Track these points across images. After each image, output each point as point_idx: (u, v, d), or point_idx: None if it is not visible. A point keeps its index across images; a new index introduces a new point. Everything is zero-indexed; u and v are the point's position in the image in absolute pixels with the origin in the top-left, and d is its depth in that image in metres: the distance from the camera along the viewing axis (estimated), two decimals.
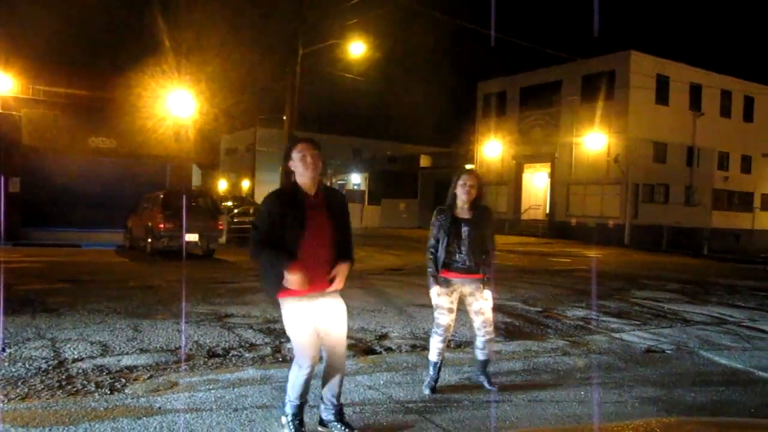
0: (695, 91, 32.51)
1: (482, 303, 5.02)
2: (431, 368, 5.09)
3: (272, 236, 3.85)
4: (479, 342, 5.13)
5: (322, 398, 4.10)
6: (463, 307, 5.17)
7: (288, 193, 4.00)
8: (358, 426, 4.17)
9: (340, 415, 4.06)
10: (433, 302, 5.07)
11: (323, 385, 4.07)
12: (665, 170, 31.52)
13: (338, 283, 3.97)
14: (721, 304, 10.95)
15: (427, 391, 4.97)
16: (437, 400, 4.80)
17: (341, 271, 3.96)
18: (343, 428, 3.99)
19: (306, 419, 4.03)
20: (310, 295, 3.90)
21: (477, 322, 5.08)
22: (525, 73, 35.58)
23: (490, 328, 5.09)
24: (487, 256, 5.04)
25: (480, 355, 5.18)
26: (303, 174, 3.93)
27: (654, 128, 30.68)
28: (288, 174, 4.00)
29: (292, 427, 3.94)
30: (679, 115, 31.68)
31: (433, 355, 5.08)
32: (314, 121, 47.67)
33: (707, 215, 30.62)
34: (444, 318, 5.02)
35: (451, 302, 5.02)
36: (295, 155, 3.93)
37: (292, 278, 3.73)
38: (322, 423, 4.11)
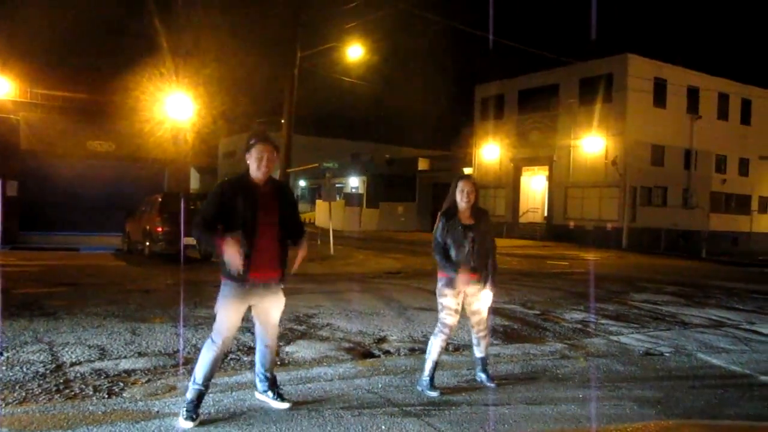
0: (693, 95, 32.58)
1: (481, 303, 5.26)
2: (431, 367, 5.15)
3: (215, 221, 4.21)
4: (474, 339, 5.40)
5: (256, 373, 4.67)
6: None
7: (240, 181, 4.36)
8: (356, 430, 4.16)
9: (273, 385, 4.64)
10: (439, 300, 5.21)
11: (257, 361, 4.65)
12: (663, 173, 31.57)
13: (296, 266, 4.45)
14: (719, 306, 10.96)
15: (435, 393, 5.03)
16: (436, 403, 4.80)
17: (300, 256, 4.50)
18: (275, 397, 4.57)
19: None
20: (253, 284, 4.26)
21: (473, 320, 5.33)
22: (523, 76, 35.63)
23: (483, 326, 5.34)
24: (490, 257, 5.26)
25: (477, 353, 5.45)
26: (256, 171, 4.30)
27: (652, 131, 30.73)
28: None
29: (188, 412, 4.16)
30: (676, 118, 31.74)
31: (434, 354, 5.17)
32: (312, 124, 47.72)
33: (705, 218, 30.64)
34: (450, 319, 5.17)
35: (457, 303, 5.19)
36: (254, 153, 4.28)
37: (228, 251, 4.02)
38: (259, 393, 4.67)
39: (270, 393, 4.60)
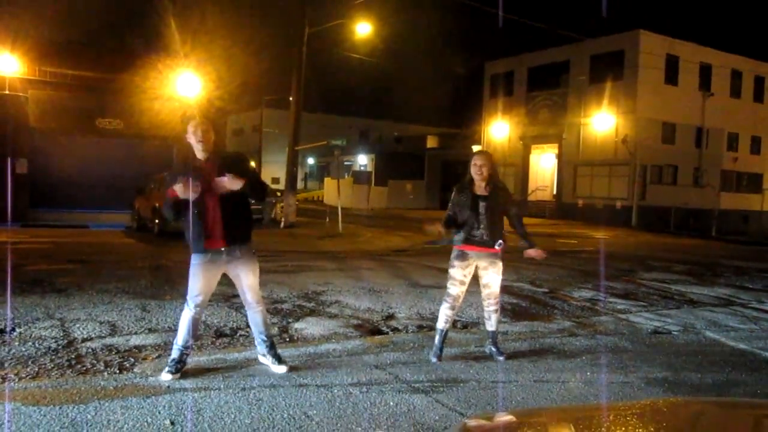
0: (705, 71, 32.20)
1: (492, 277, 5.36)
2: (437, 336, 5.41)
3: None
4: (485, 313, 5.50)
5: (254, 338, 5.01)
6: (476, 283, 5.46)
7: (185, 163, 4.86)
8: (365, 406, 4.19)
9: (272, 348, 4.96)
10: (448, 270, 5.39)
11: (252, 327, 5.00)
12: (674, 151, 31.33)
13: (230, 183, 4.55)
14: (728, 285, 10.93)
15: (434, 359, 5.29)
16: (444, 380, 4.82)
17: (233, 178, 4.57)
18: (274, 360, 4.88)
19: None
20: (214, 253, 4.70)
21: (483, 293, 5.44)
22: (533, 53, 35.29)
23: (494, 300, 5.42)
24: (520, 227, 5.50)
25: (488, 326, 5.53)
26: (196, 146, 4.69)
27: (663, 109, 30.44)
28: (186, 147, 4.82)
29: (171, 366, 4.63)
30: (688, 95, 31.40)
31: (440, 323, 5.40)
32: (321, 101, 47.59)
33: (716, 196, 30.42)
34: (455, 289, 5.34)
35: (464, 275, 5.32)
36: (190, 130, 4.69)
37: (176, 188, 4.46)
38: (260, 356, 5.01)
39: (269, 356, 4.92)
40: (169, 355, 4.81)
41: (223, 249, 4.72)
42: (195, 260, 4.75)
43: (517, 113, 35.95)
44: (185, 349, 4.73)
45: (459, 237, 5.31)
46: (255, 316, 4.95)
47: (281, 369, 4.85)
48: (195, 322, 4.80)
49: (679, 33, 31.59)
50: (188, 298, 4.79)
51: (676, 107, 30.85)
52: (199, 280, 4.74)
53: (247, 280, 4.87)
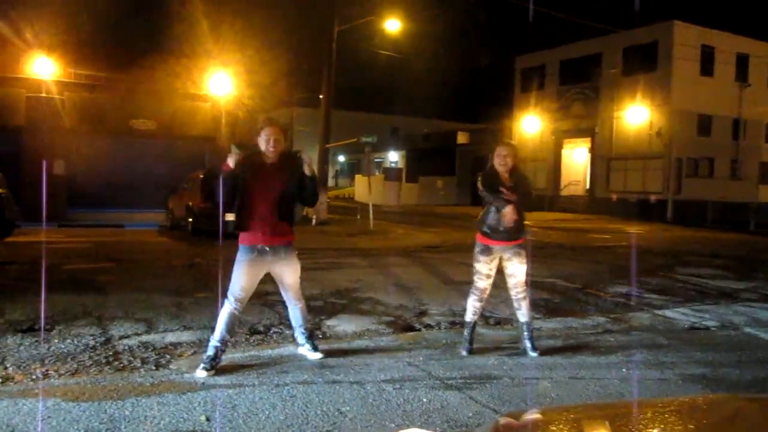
0: (742, 62, 31.47)
1: (517, 267, 5.37)
2: (466, 330, 5.52)
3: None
4: (515, 303, 5.50)
5: (294, 330, 5.25)
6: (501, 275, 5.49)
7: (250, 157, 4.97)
8: (398, 403, 4.20)
9: (310, 338, 5.24)
10: (473, 264, 5.45)
11: (292, 321, 5.22)
12: (710, 143, 30.71)
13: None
14: (767, 280, 10.69)
15: (464, 353, 5.38)
16: (477, 376, 4.80)
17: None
18: (311, 348, 5.16)
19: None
20: (261, 250, 4.84)
21: (509, 282, 5.45)
22: (564, 46, 34.86)
23: (521, 288, 5.42)
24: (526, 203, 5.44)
25: (520, 317, 5.51)
26: (265, 150, 4.89)
27: (698, 100, 29.84)
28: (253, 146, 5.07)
29: (206, 362, 4.70)
30: (724, 86, 30.73)
31: (469, 315, 5.50)
32: (351, 99, 47.64)
33: (754, 189, 29.76)
34: (482, 282, 5.42)
35: (490, 269, 5.38)
36: (263, 136, 4.88)
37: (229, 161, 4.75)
38: (300, 347, 5.24)
39: (308, 345, 5.18)
40: (205, 351, 4.87)
41: (269, 248, 4.87)
42: (242, 256, 4.86)
43: (548, 107, 35.58)
44: (221, 345, 4.80)
45: (484, 226, 5.32)
46: (296, 312, 5.16)
47: (317, 356, 5.10)
48: (234, 319, 4.89)
49: (715, 22, 30.87)
50: (230, 293, 4.86)
51: (712, 99, 30.21)
52: (243, 276, 4.84)
53: (290, 279, 5.05)
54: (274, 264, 4.94)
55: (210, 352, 4.76)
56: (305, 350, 5.18)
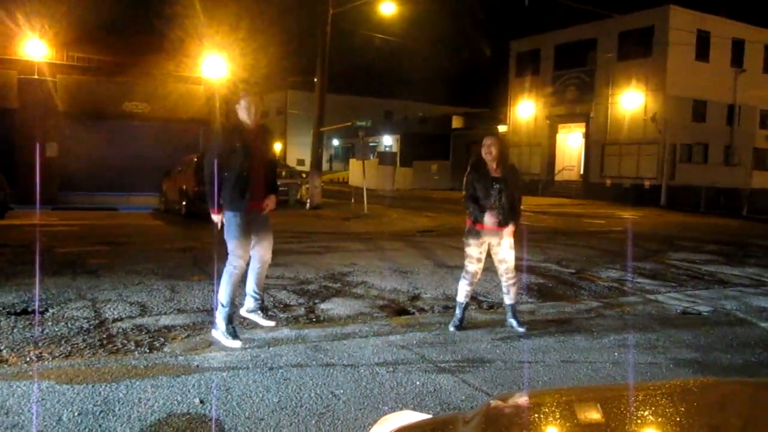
0: (737, 47, 31.46)
1: (506, 252, 5.62)
2: (457, 309, 5.76)
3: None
4: (504, 288, 5.73)
5: (248, 292, 5.44)
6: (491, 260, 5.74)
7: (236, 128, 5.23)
8: (391, 386, 4.22)
9: (262, 305, 5.52)
10: (464, 248, 5.70)
11: (251, 280, 5.37)
12: (704, 129, 30.75)
13: (270, 206, 5.32)
14: (759, 265, 10.75)
15: (452, 329, 5.63)
16: (470, 360, 4.83)
17: (271, 199, 5.32)
18: (263, 316, 5.43)
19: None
20: (254, 212, 5.14)
21: (500, 269, 5.70)
22: (559, 30, 34.76)
23: (511, 274, 5.67)
24: (516, 207, 5.64)
25: (507, 300, 5.80)
26: (246, 118, 5.15)
27: (693, 86, 29.84)
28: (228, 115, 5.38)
29: (228, 333, 4.94)
30: (719, 71, 30.72)
31: (460, 297, 5.74)
32: (346, 82, 47.44)
33: (748, 175, 29.86)
34: (472, 266, 5.66)
35: (480, 252, 5.62)
36: (244, 104, 5.12)
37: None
38: (247, 311, 5.48)
39: (259, 312, 5.45)
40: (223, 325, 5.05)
41: (257, 209, 5.19)
42: (237, 219, 5.06)
43: (543, 92, 35.51)
44: (231, 308, 5.05)
45: (474, 215, 5.52)
46: (262, 272, 5.44)
47: (270, 323, 5.43)
48: (239, 282, 5.15)
49: (711, 7, 30.79)
50: (232, 259, 5.08)
51: (707, 84, 30.21)
52: (242, 238, 5.09)
53: (269, 240, 5.40)
54: (257, 225, 5.23)
55: (225, 319, 5.01)
56: (255, 317, 5.43)
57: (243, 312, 5.51)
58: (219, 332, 5.01)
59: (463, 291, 5.71)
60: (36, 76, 21.00)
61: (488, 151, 5.52)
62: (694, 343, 5.60)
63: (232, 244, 5.10)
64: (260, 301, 5.52)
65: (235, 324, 5.11)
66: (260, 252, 5.38)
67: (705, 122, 30.86)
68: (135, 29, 22.80)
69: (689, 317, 6.68)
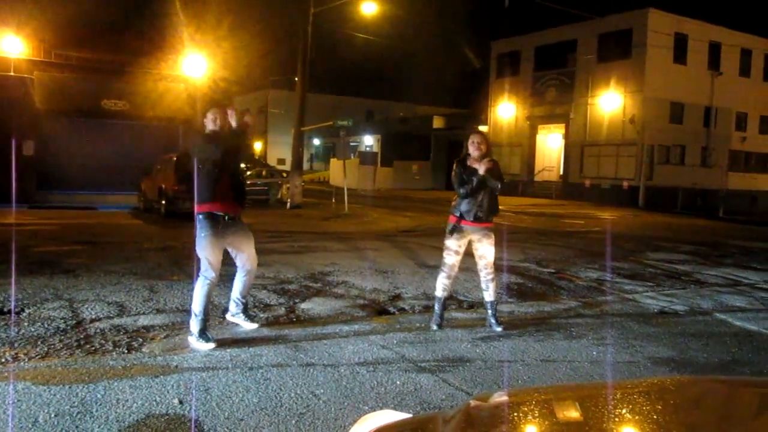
0: (714, 50, 31.87)
1: (486, 248, 5.69)
2: (436, 304, 5.81)
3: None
4: (483, 284, 5.78)
5: (232, 299, 5.52)
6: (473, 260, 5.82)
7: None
8: (371, 385, 4.22)
9: (245, 309, 5.55)
10: (444, 241, 5.77)
11: (236, 288, 5.48)
12: (682, 131, 31.10)
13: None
14: (735, 266, 10.90)
15: (434, 327, 5.69)
16: (450, 359, 4.84)
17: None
18: (246, 318, 5.50)
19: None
20: (227, 217, 5.11)
21: (480, 264, 5.76)
22: (539, 32, 34.98)
23: (490, 269, 5.73)
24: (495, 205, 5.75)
25: (486, 296, 5.83)
26: (214, 128, 5.24)
27: (671, 88, 30.18)
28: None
29: (203, 339, 4.93)
30: (697, 74, 31.10)
31: (438, 291, 5.80)
32: (327, 82, 47.39)
33: (724, 177, 30.24)
34: (450, 258, 5.72)
35: (459, 246, 5.70)
36: (209, 117, 5.26)
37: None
38: (231, 316, 5.56)
39: (242, 315, 5.51)
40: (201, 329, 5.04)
41: (232, 216, 5.19)
42: (207, 229, 5.06)
43: (523, 93, 35.73)
44: (205, 316, 5.04)
45: (457, 210, 5.62)
46: (247, 281, 5.50)
47: (253, 326, 5.47)
48: (212, 292, 5.19)
49: (689, 11, 31.15)
50: (206, 269, 5.09)
51: (685, 86, 30.57)
52: (215, 249, 5.12)
53: (250, 247, 5.44)
54: (234, 232, 5.24)
55: (199, 327, 4.99)
56: (239, 320, 5.49)
57: (228, 317, 5.60)
58: (193, 338, 5.00)
59: (440, 285, 5.77)
60: (12, 73, 20.71)
61: (477, 148, 5.63)
62: (671, 342, 5.66)
63: (202, 254, 5.13)
64: (244, 306, 5.56)
65: (208, 331, 5.08)
66: (242, 261, 5.44)
67: (682, 124, 31.22)
68: (115, 27, 22.57)
69: (666, 317, 6.76)
